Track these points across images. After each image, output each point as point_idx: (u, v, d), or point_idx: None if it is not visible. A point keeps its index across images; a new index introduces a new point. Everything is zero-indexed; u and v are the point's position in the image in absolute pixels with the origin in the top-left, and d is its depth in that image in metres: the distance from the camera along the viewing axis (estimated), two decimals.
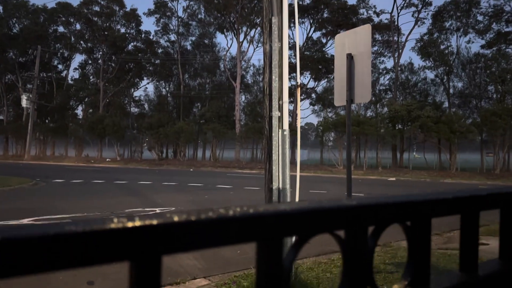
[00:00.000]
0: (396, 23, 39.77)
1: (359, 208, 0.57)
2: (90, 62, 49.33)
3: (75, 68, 50.91)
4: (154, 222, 0.44)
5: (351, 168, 5.24)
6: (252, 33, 42.73)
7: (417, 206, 0.63)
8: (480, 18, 36.87)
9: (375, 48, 40.96)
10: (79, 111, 52.40)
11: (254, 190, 14.72)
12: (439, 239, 7.18)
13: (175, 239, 0.44)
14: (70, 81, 50.28)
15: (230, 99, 46.45)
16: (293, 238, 0.56)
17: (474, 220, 0.75)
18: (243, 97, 48.29)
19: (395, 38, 39.97)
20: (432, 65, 39.29)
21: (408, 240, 0.65)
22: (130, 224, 0.43)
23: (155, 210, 9.74)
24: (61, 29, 48.59)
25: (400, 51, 40.07)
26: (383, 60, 43.25)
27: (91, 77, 50.33)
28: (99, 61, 47.72)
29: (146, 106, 51.94)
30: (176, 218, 0.45)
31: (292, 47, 32.52)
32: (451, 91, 39.28)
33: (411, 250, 0.65)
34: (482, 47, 37.16)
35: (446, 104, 39.21)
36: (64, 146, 47.84)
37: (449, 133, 29.00)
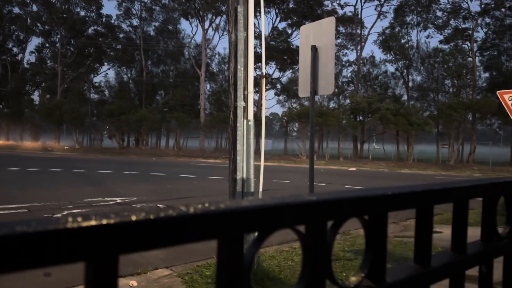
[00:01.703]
0: (359, 16, 40.51)
1: (319, 203, 0.58)
2: (47, 45, 47.16)
3: (32, 52, 48.97)
4: (111, 221, 0.42)
5: (313, 158, 5.33)
6: (217, 20, 42.27)
7: (374, 201, 0.65)
8: (439, 14, 38.24)
9: (339, 41, 41.62)
10: (36, 96, 50.21)
11: (218, 179, 14.68)
12: (396, 227, 7.47)
13: (132, 238, 0.43)
14: (26, 65, 47.93)
15: (195, 88, 45.88)
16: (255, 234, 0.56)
17: (429, 214, 0.78)
18: (208, 85, 47.85)
19: (358, 31, 40.74)
20: (393, 58, 40.43)
21: (366, 233, 0.66)
22: (85, 224, 0.41)
23: (116, 200, 9.53)
24: (16, 10, 46.08)
25: (363, 44, 40.93)
26: (346, 53, 44.09)
27: (48, 62, 48.19)
28: (57, 44, 45.72)
29: (106, 92, 50.41)
30: (133, 217, 0.44)
31: (257, 36, 32.42)
32: (410, 84, 40.64)
33: (369, 242, 0.67)
34: (441, 42, 38.63)
35: (405, 97, 40.55)
36: (19, 133, 45.75)
37: (407, 125, 30.04)
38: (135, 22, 46.76)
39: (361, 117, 33.69)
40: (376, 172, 22.28)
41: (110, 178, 14.74)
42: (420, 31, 40.01)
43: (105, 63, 48.45)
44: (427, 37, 60.14)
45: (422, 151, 40.97)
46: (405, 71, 40.34)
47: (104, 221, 0.42)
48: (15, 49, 48.21)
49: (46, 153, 31.13)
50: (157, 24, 47.17)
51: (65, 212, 7.86)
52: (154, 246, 0.44)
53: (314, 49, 4.99)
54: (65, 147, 37.79)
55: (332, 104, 43.42)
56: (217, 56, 51.20)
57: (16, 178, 14.21)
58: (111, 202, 9.29)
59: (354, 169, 23.86)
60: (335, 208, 0.59)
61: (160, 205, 8.95)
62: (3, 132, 46.01)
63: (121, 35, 47.29)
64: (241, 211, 0.51)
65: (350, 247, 5.85)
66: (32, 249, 0.38)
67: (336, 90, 38.30)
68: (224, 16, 40.34)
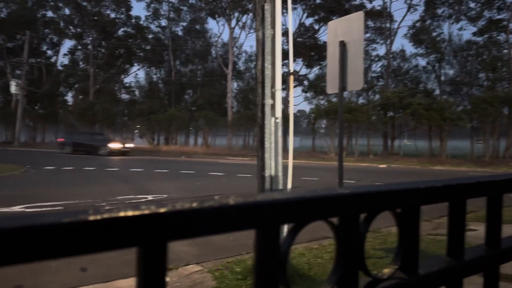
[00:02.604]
0: (388, 10, 39.68)
1: (352, 196, 0.60)
2: (79, 47, 48.64)
3: (65, 54, 50.59)
4: (161, 210, 0.46)
5: (342, 155, 5.29)
6: (244, 19, 42.40)
7: (407, 194, 0.66)
8: (472, 5, 36.92)
9: (368, 35, 40.92)
10: (69, 97, 51.89)
11: (246, 177, 14.77)
12: (428, 225, 7.31)
13: (180, 226, 0.47)
14: (59, 67, 49.66)
15: (222, 86, 46.20)
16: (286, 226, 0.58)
17: (462, 208, 0.78)
18: (235, 84, 48.08)
19: (388, 25, 39.92)
20: (424, 52, 39.41)
21: (398, 226, 0.67)
22: (139, 212, 0.45)
23: (147, 197, 9.75)
24: (49, 14, 47.75)
25: (392, 38, 40.08)
26: (375, 47, 43.35)
27: (81, 63, 49.68)
28: (89, 46, 47.05)
29: (137, 92, 51.58)
30: (181, 206, 0.47)
31: (284, 33, 32.34)
32: (442, 78, 39.51)
33: (401, 235, 0.68)
34: (474, 34, 37.31)
35: (437, 91, 39.48)
36: (54, 133, 47.45)
37: (440, 120, 29.23)
38: (163, 22, 47.58)
39: (391, 113, 33.03)
40: (408, 168, 21.82)
41: (141, 176, 15.10)
42: (452, 24, 38.83)
43: (135, 64, 49.56)
44: (460, 29, 58.04)
45: (456, 146, 39.79)
46: (437, 65, 39.25)
47: (155, 210, 0.46)
48: (49, 52, 50.03)
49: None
50: (184, 24, 47.85)
51: None
52: (198, 234, 0.48)
53: (343, 45, 4.94)
54: None
55: (361, 100, 42.80)
56: (243, 54, 51.58)
57: (52, 176, 14.77)
58: (142, 200, 9.52)
59: (384, 166, 23.45)
60: (367, 201, 0.61)
61: None
62: (39, 132, 47.83)
63: (150, 36, 48.19)
64: (278, 202, 0.53)
65: (381, 245, 5.78)
66: (94, 235, 0.42)
67: (365, 85, 37.71)
68: (251, 14, 40.42)
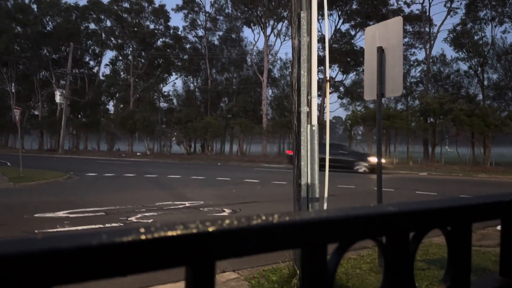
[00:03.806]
0: (427, 14, 38.66)
1: (400, 214, 0.57)
2: (120, 58, 50.42)
3: (106, 64, 52.30)
4: (210, 229, 0.46)
5: (381, 162, 5.17)
6: (279, 26, 42.58)
7: (457, 211, 0.63)
8: None
9: (406, 40, 39.99)
10: (111, 106, 53.76)
11: (281, 184, 14.71)
12: (473, 236, 6.98)
13: (227, 245, 0.47)
14: (101, 77, 51.64)
15: (257, 94, 46.46)
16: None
17: None
18: (270, 91, 48.28)
19: (427, 29, 38.86)
20: (466, 56, 38.00)
21: (448, 245, 0.64)
22: (188, 231, 0.45)
23: (185, 204, 9.90)
24: (92, 26, 49.88)
25: (432, 42, 38.97)
26: (414, 52, 42.21)
27: (121, 73, 51.45)
28: (129, 57, 48.67)
29: (174, 101, 52.81)
30: (228, 226, 0.47)
31: (320, 40, 32.18)
32: (485, 83, 37.91)
33: (451, 254, 0.65)
34: None
35: (480, 97, 37.90)
36: (96, 140, 49.28)
37: (483, 126, 28.03)
38: (200, 32, 48.56)
39: (431, 119, 32.01)
40: (449, 177, 21.01)
41: (178, 182, 15.37)
42: (495, 26, 37.15)
43: (173, 73, 50.79)
44: (503, 32, 55.69)
45: (500, 154, 37.97)
46: (479, 69, 37.71)
47: (204, 229, 0.45)
48: (91, 63, 52.23)
49: (120, 159, 33.19)
50: (221, 33, 48.62)
51: (139, 215, 8.33)
52: (244, 254, 0.48)
53: (381, 51, 4.85)
54: (137, 154, 40.04)
55: (399, 106, 41.80)
56: (278, 61, 51.76)
57: (94, 183, 15.31)
58: (180, 206, 9.68)
59: (425, 174, 22.70)
60: (416, 219, 0.58)
61: (226, 209, 9.16)
62: (82, 140, 49.78)
63: (188, 46, 49.29)
64: (323, 221, 0.52)
65: (422, 256, 5.57)
66: (144, 254, 0.43)
67: (404, 91, 36.83)
68: (286, 21, 40.52)
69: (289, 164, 23.41)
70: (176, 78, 53.39)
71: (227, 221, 0.48)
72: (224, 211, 9.07)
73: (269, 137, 38.84)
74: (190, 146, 42.95)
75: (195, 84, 51.14)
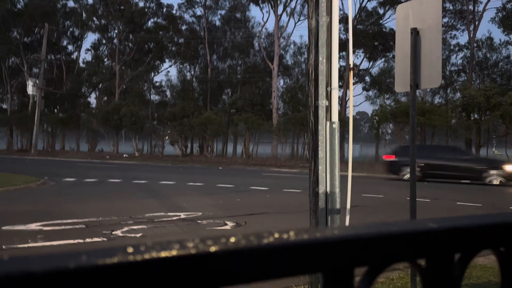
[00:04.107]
0: None
1: (444, 232, 0.55)
2: (104, 42, 50.69)
3: (87, 49, 52.72)
4: (210, 249, 0.46)
5: (415, 167, 5.13)
6: (292, 4, 42.55)
7: None
8: None
9: (445, 20, 39.75)
10: (92, 99, 54.06)
11: (295, 193, 14.69)
12: None
13: (230, 268, 0.48)
14: (81, 64, 51.94)
15: (266, 84, 46.46)
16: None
17: None
18: (281, 81, 48.30)
19: (470, 7, 38.57)
20: None
21: (502, 269, 0.62)
22: (184, 252, 0.45)
23: (180, 215, 9.93)
24: (70, 3, 50.36)
25: (477, 23, 38.65)
26: (455, 35, 41.84)
27: (105, 60, 51.74)
28: (115, 40, 48.93)
29: (168, 93, 53.02)
30: (234, 244, 0.48)
31: (342, 19, 32.10)
32: None
33: (505, 280, 0.63)
34: None
35: None
36: (75, 139, 49.54)
37: None
38: (198, 11, 48.71)
39: (476, 115, 31.77)
40: (498, 185, 20.83)
41: (172, 190, 15.40)
42: None
43: (166, 60, 50.99)
44: None
45: None
46: None
47: (205, 250, 0.45)
48: (70, 47, 52.48)
49: (104, 162, 33.38)
50: (223, 12, 48.72)
51: (125, 228, 8.36)
52: (252, 279, 0.48)
53: (415, 33, 4.81)
54: (124, 155, 40.23)
55: (437, 99, 41.58)
56: (292, 46, 51.72)
57: (73, 189, 15.40)
58: (174, 218, 9.70)
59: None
60: (463, 238, 0.57)
61: (228, 222, 9.17)
62: (58, 139, 50.07)
63: (184, 27, 49.46)
64: (350, 239, 0.51)
65: (466, 279, 5.53)
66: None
67: (442, 81, 36.65)
68: None
69: (391, 174, 22.62)
70: (170, 66, 53.85)
71: (232, 240, 0.47)
72: (226, 224, 9.07)
73: (280, 136, 38.83)
74: (186, 146, 43.12)
75: (193, 73, 51.35)
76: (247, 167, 31.02)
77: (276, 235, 0.49)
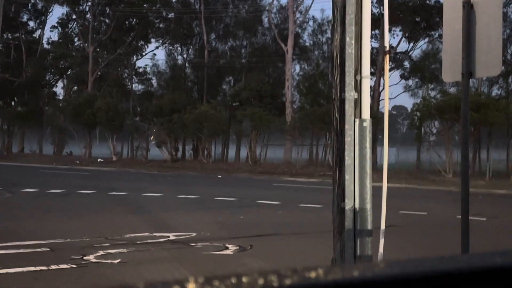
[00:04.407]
0: None
1: None
2: (74, 17, 50.80)
3: (53, 27, 52.52)
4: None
5: (468, 177, 5.10)
6: None
7: None
8: None
9: None
10: (59, 88, 54.16)
11: (314, 209, 14.64)
12: None
13: None
14: (46, 45, 51.96)
15: (278, 71, 46.44)
16: None
17: None
18: (297, 67, 48.16)
19: None
20: None
21: None
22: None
23: (168, 236, 9.93)
24: None
25: None
26: None
27: (75, 40, 51.83)
28: (87, 15, 49.09)
29: (154, 81, 52.96)
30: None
31: None
32: None
33: None
34: None
35: None
36: (37, 139, 49.62)
37: None
38: None
39: None
40: None
41: (159, 204, 15.39)
42: None
43: (152, 40, 50.98)
44: None
45: None
46: None
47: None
48: (31, 24, 52.58)
49: (73, 168, 33.46)
50: None
51: (100, 253, 8.37)
52: None
53: (468, 7, 4.79)
54: (99, 160, 40.31)
55: (495, 91, 41.33)
56: (310, 22, 51.45)
57: (34, 203, 15.44)
58: (161, 239, 9.70)
59: None
60: None
61: (230, 246, 9.16)
62: (16, 139, 50.16)
63: None
64: (383, 282, 0.49)
65: None
66: None
67: (503, 68, 36.45)
68: None
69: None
70: (157, 48, 53.36)
71: (245, 280, 0.45)
72: (227, 248, 9.05)
73: (295, 137, 38.72)
74: (177, 149, 43.11)
75: (185, 56, 51.34)
76: (253, 176, 30.96)
77: (288, 274, 0.46)
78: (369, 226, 4.49)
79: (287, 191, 21.23)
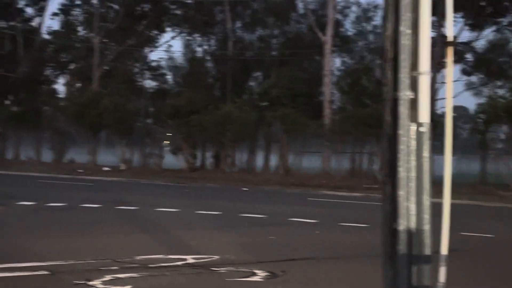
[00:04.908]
0: None
1: None
2: (78, 2, 51.28)
3: (54, 14, 53.12)
4: None
5: None
6: None
7: None
8: None
9: None
10: (60, 85, 54.60)
11: (358, 228, 14.58)
12: None
13: None
14: (45, 36, 52.53)
15: (315, 65, 46.30)
16: None
17: None
18: (337, 60, 47.95)
19: None
20: None
21: None
22: None
23: (186, 259, 9.94)
24: None
25: None
26: None
27: (79, 29, 52.28)
28: (94, 0, 49.50)
29: (169, 77, 53.14)
30: None
31: None
32: None
33: None
34: None
35: None
36: (35, 144, 50.12)
37: None
38: None
39: None
40: None
41: (175, 220, 15.47)
42: None
43: (168, 29, 51.20)
44: None
45: None
46: None
47: None
48: (29, 11, 53.09)
49: (76, 178, 33.80)
50: None
51: (107, 277, 8.40)
52: None
53: None
54: (105, 168, 40.63)
55: None
56: (354, 8, 51.24)
57: (31, 218, 15.61)
58: (178, 263, 9.70)
59: None
60: None
61: (258, 271, 9.12)
62: (11, 144, 50.68)
63: None
64: None
65: None
66: None
67: None
68: None
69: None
70: (173, 38, 53.36)
71: None
72: (255, 274, 9.03)
73: (335, 143, 38.59)
74: (196, 156, 43.25)
75: (206, 48, 51.50)
76: (285, 188, 30.94)
77: None
78: (428, 251, 4.42)
79: (325, 207, 21.16)
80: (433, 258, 4.61)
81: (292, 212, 18.29)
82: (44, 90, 51.26)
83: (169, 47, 51.61)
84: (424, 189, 4.43)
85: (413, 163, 4.43)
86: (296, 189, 30.44)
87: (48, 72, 52.52)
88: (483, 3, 39.58)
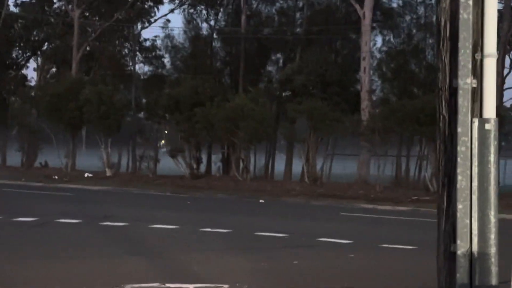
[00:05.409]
0: None
1: None
2: None
3: None
4: None
5: None
6: None
7: None
8: None
9: None
10: (31, 71, 55.17)
11: (404, 251, 14.58)
12: None
13: None
14: (12, 8, 52.98)
15: (349, 45, 46.39)
16: None
17: None
18: (379, 40, 47.97)
19: None
20: None
21: None
22: None
23: None
24: None
25: None
26: None
27: (55, 1, 52.68)
28: None
29: (167, 60, 53.33)
30: None
31: None
32: None
33: None
34: None
35: None
36: (0, 144, 50.55)
37: None
38: None
39: None
40: None
41: (174, 240, 15.52)
42: None
43: (165, 0, 51.47)
44: None
45: None
46: None
47: None
48: None
49: (50, 186, 33.99)
50: None
51: None
52: None
53: None
54: (86, 174, 40.84)
55: None
56: None
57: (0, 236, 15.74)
58: None
59: None
60: None
61: None
62: None
63: None
64: None
65: None
66: None
67: None
68: None
69: None
70: (172, 11, 53.38)
71: None
72: None
73: (374, 143, 38.53)
74: (200, 159, 43.37)
75: (213, 23, 51.65)
76: (311, 201, 30.94)
77: None
78: (494, 281, 4.42)
79: (363, 224, 21.17)
80: None
81: (321, 230, 18.32)
82: (10, 76, 51.59)
83: (167, 22, 51.54)
84: (490, 202, 4.41)
85: (475, 170, 4.42)
86: (325, 202, 30.42)
87: (15, 53, 52.89)
88: None
